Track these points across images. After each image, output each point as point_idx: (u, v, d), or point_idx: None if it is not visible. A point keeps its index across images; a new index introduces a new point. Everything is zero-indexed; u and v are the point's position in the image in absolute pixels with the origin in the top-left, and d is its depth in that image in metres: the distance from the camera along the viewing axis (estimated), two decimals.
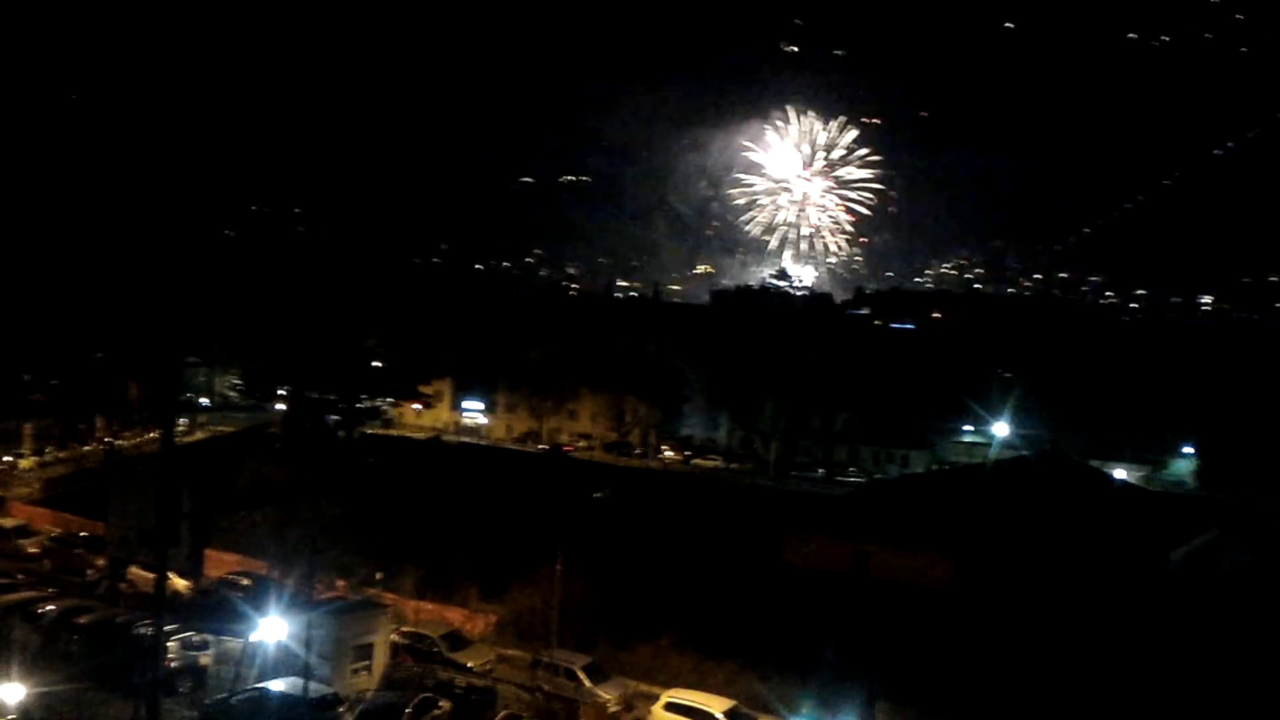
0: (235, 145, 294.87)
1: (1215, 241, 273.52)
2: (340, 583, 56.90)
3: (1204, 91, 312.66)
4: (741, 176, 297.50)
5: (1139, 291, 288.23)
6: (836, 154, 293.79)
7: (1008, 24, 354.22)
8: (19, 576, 57.37)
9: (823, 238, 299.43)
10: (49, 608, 50.18)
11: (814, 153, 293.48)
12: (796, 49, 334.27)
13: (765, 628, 50.33)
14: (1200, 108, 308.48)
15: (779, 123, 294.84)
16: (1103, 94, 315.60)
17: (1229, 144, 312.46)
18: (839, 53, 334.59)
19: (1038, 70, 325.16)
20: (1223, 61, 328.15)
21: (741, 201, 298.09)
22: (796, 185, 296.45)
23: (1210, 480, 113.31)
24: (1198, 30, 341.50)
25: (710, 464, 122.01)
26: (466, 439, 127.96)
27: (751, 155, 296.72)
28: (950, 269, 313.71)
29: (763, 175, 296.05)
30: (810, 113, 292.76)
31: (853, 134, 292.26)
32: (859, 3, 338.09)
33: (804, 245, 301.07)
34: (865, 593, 52.51)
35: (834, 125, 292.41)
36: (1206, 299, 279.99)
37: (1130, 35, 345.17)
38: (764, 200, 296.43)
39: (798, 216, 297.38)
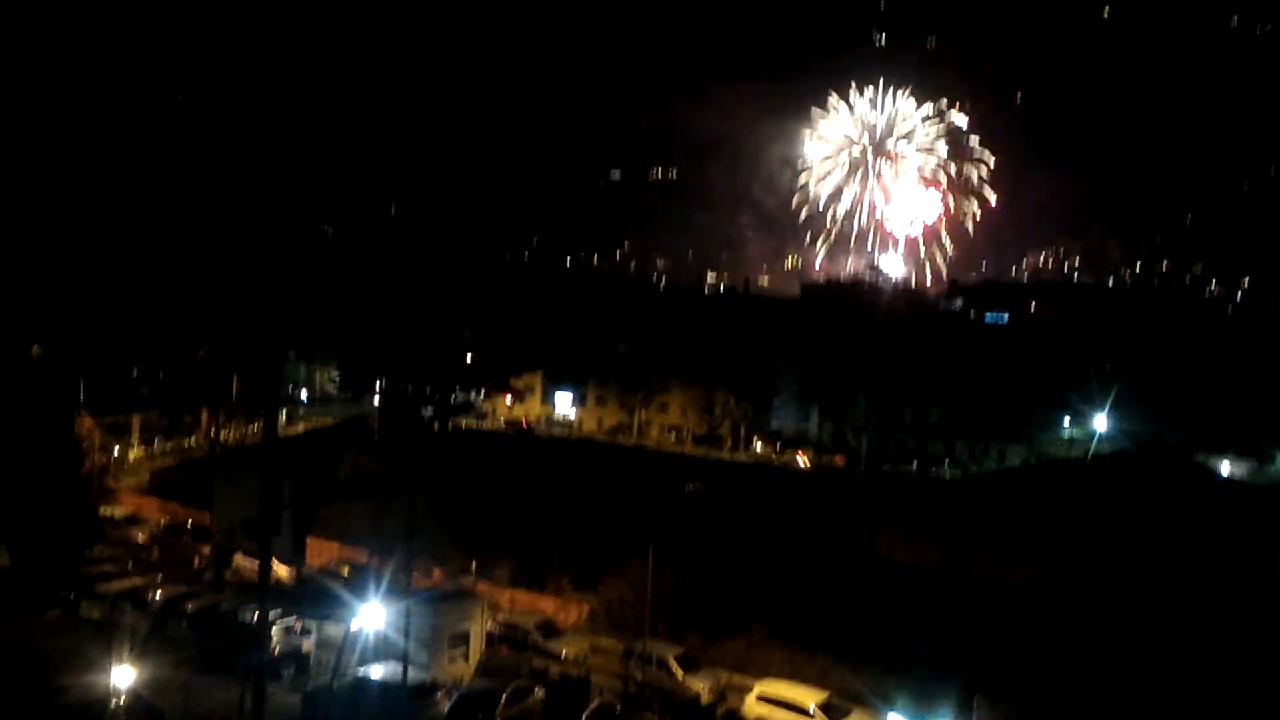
0: (334, 143, 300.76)
1: None
2: (437, 572, 57.97)
3: None
4: (825, 166, 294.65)
5: (1243, 281, 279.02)
6: (928, 142, 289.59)
7: (1105, 6, 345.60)
8: (129, 564, 59.44)
9: (915, 229, 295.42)
10: (157, 595, 51.98)
11: (898, 139, 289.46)
12: (885, 36, 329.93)
13: (858, 621, 50.01)
14: None
15: (860, 106, 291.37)
16: (1208, 78, 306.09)
17: None
18: (930, 41, 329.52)
19: (1140, 54, 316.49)
20: None
21: (826, 192, 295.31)
22: (885, 175, 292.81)
23: None
24: None
25: (802, 457, 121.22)
26: (558, 432, 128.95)
27: (837, 142, 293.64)
28: (1048, 260, 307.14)
29: (849, 164, 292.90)
30: (901, 99, 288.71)
31: (945, 122, 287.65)
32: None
33: (894, 238, 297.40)
34: (960, 588, 51.88)
35: (924, 111, 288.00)
36: None
37: (1234, 18, 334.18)
38: (851, 190, 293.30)
39: (883, 207, 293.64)
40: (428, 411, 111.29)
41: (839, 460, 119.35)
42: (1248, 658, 45.45)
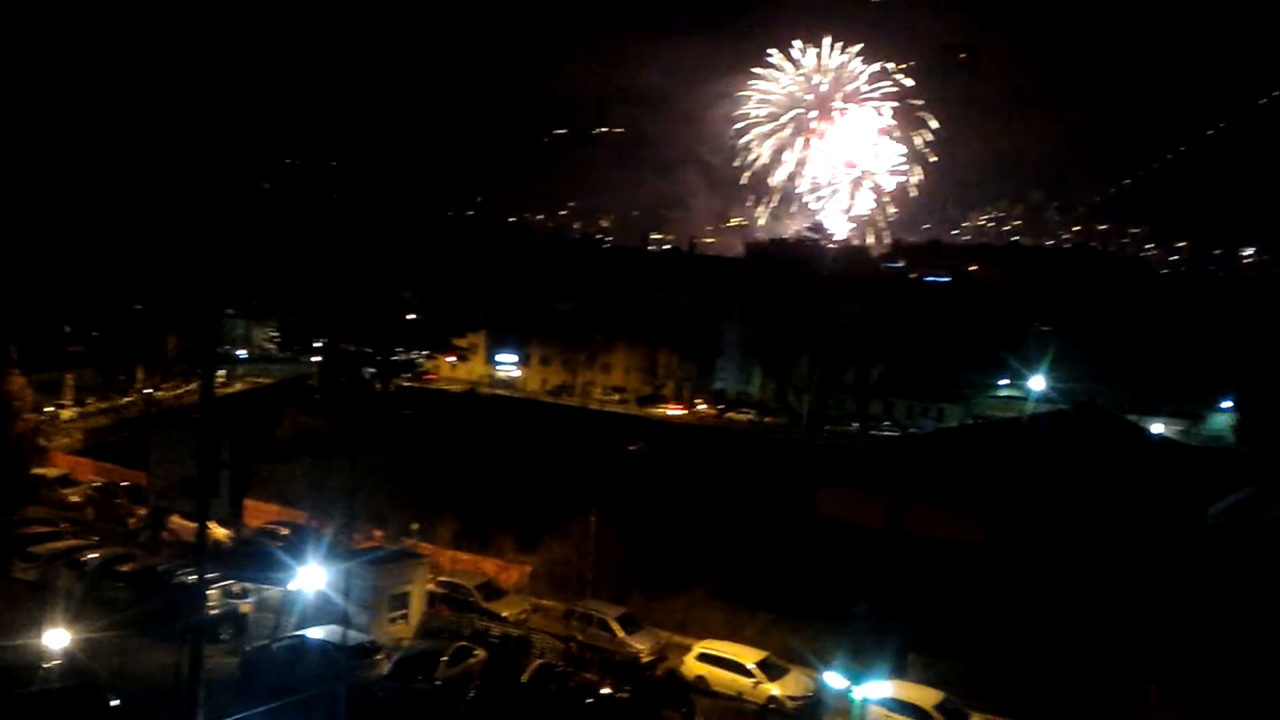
0: (273, 99, 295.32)
1: (1258, 193, 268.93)
2: (377, 532, 57.63)
3: (1248, 41, 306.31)
4: (769, 125, 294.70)
5: (1179, 244, 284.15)
6: (871, 97, 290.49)
7: None
8: (62, 525, 58.44)
9: (858, 186, 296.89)
10: (92, 556, 51.14)
11: (842, 96, 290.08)
12: None
13: (798, 580, 50.52)
14: (1244, 57, 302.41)
15: (805, 64, 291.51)
16: (1144, 43, 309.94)
17: (1274, 93, 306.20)
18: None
19: (1077, 18, 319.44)
20: (1267, 10, 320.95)
21: (769, 151, 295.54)
22: (832, 133, 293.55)
23: (1249, 435, 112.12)
24: None
25: (744, 417, 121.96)
26: (501, 391, 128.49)
27: (780, 101, 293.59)
28: (988, 220, 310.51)
29: (793, 123, 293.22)
30: (843, 55, 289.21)
31: (888, 79, 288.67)
32: None
33: (837, 195, 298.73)
34: (898, 547, 52.53)
35: (867, 68, 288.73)
36: (1248, 251, 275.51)
37: None
38: (792, 149, 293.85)
39: (830, 166, 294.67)
40: (369, 371, 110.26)
41: (779, 419, 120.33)
42: (1178, 609, 46.58)
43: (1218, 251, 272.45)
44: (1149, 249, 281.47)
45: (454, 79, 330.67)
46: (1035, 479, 59.36)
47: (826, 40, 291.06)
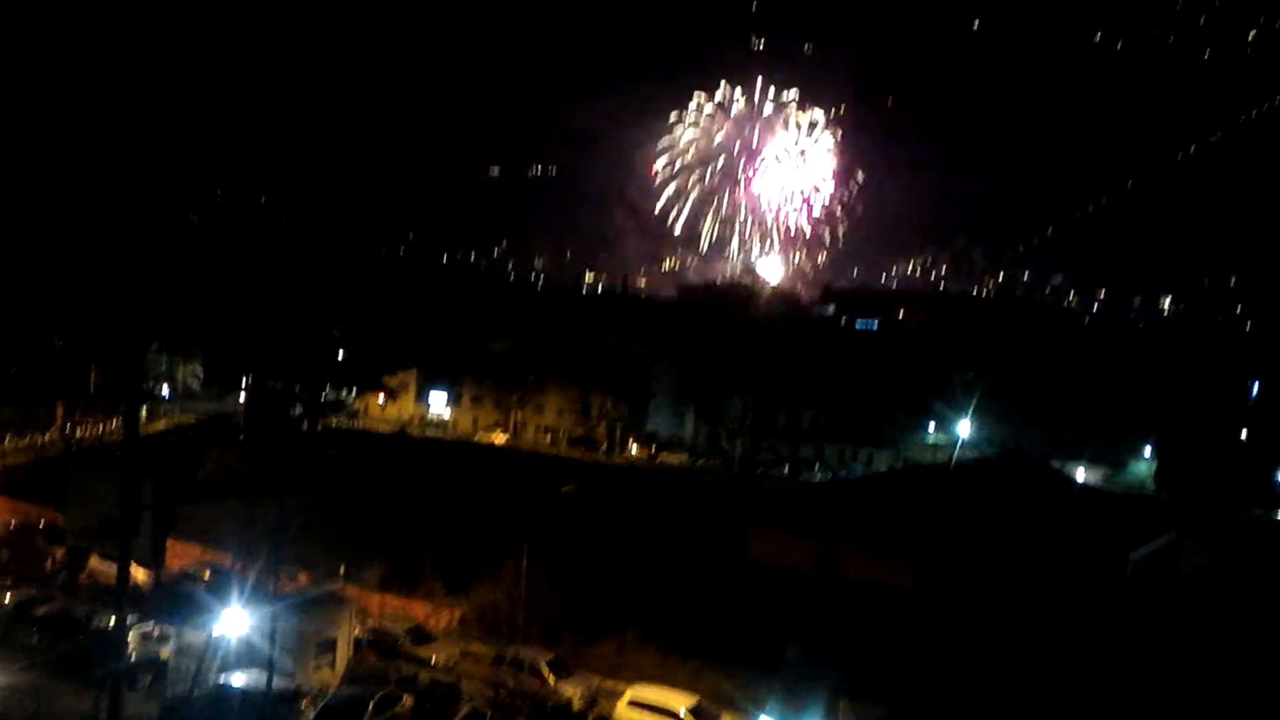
0: (200, 131, 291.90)
1: (1177, 244, 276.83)
2: (303, 576, 56.60)
3: (1167, 95, 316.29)
4: (706, 167, 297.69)
5: (1100, 292, 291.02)
6: (801, 146, 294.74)
7: (974, 22, 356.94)
8: None
9: (787, 234, 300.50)
10: (6, 598, 49.67)
11: (779, 142, 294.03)
12: (763, 44, 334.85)
13: (730, 624, 50.51)
14: (1163, 111, 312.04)
15: (745, 113, 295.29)
16: (1067, 95, 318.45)
17: (1191, 148, 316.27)
18: (806, 48, 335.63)
19: (1003, 70, 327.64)
20: (1185, 65, 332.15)
21: (710, 193, 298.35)
22: (761, 178, 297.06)
23: (1168, 482, 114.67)
24: (1162, 34, 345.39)
25: (676, 460, 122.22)
26: (431, 432, 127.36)
27: (718, 145, 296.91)
28: (915, 268, 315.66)
29: (727, 165, 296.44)
30: (770, 102, 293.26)
31: (818, 130, 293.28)
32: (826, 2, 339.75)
33: (768, 241, 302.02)
34: (829, 591, 52.81)
35: (798, 117, 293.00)
36: (1166, 300, 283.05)
37: (1095, 37, 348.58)
38: (724, 193, 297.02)
39: (759, 211, 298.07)
40: (296, 409, 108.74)
41: (711, 462, 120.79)
42: (1100, 655, 47.28)
43: (1137, 300, 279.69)
44: (1071, 298, 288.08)
45: (387, 117, 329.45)
46: (963, 524, 60.11)
47: (758, 87, 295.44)
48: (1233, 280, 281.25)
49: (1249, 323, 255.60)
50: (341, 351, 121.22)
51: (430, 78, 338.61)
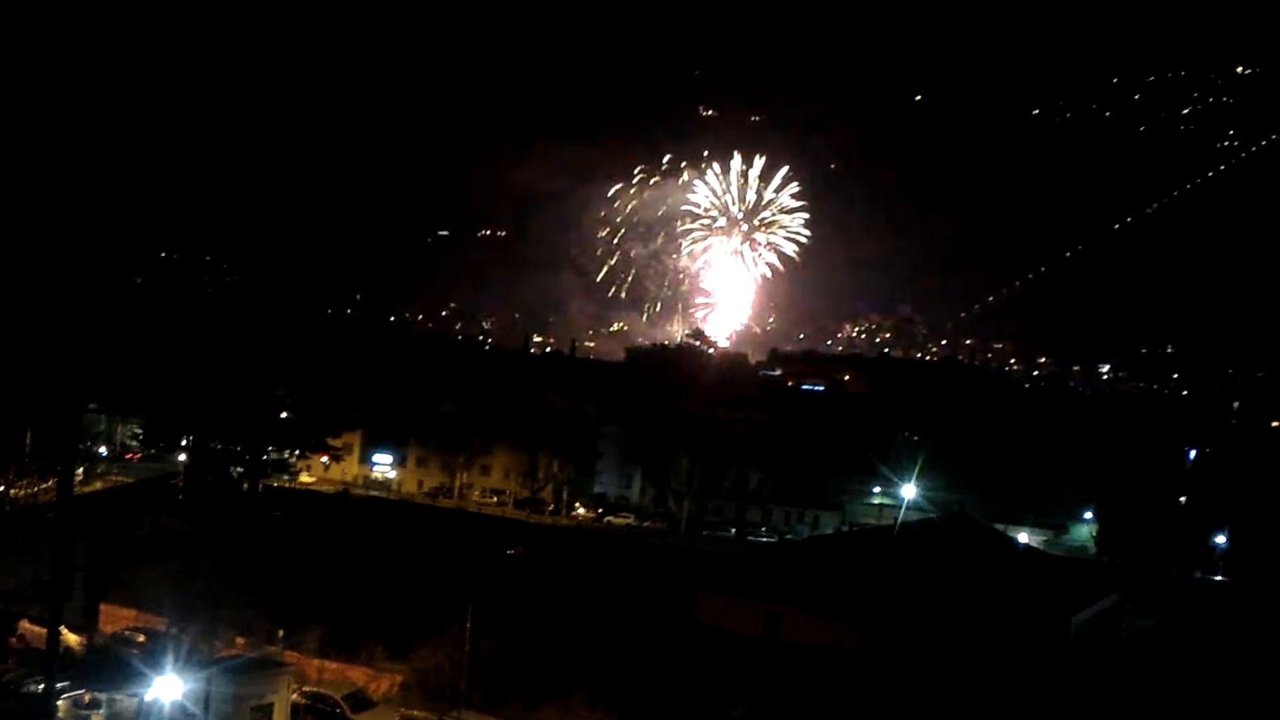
0: (145, 190, 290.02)
1: (1114, 312, 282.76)
2: (240, 640, 55.42)
3: (1106, 168, 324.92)
4: (651, 232, 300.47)
5: (1041, 359, 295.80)
6: (748, 212, 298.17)
7: (917, 97, 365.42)
8: None
9: (737, 299, 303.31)
10: None
11: (725, 208, 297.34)
12: (713, 113, 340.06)
13: (677, 687, 50.02)
14: (1103, 183, 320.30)
15: (695, 178, 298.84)
16: (1010, 167, 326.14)
17: (1128, 219, 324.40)
18: (755, 118, 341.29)
19: (949, 142, 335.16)
20: (1123, 140, 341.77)
21: (656, 257, 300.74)
22: (709, 243, 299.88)
23: (1109, 545, 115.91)
24: (1099, 109, 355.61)
25: (623, 522, 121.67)
26: (376, 493, 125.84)
27: (664, 209, 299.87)
28: (860, 332, 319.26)
29: (675, 229, 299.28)
30: (721, 169, 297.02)
31: (768, 194, 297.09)
32: (771, 74, 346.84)
33: (718, 304, 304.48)
34: (775, 654, 52.56)
35: (746, 183, 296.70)
36: (1105, 367, 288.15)
37: (1034, 112, 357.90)
38: (677, 254, 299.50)
39: (711, 274, 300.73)
40: (237, 470, 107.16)
41: (658, 524, 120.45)
42: (1044, 717, 47.39)
43: (1076, 367, 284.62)
44: (1013, 364, 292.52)
45: (334, 175, 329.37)
46: (908, 587, 60.29)
47: (705, 153, 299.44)
48: (1169, 349, 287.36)
49: (1185, 390, 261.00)
50: (285, 412, 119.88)
51: (378, 138, 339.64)
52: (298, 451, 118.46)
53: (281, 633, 56.43)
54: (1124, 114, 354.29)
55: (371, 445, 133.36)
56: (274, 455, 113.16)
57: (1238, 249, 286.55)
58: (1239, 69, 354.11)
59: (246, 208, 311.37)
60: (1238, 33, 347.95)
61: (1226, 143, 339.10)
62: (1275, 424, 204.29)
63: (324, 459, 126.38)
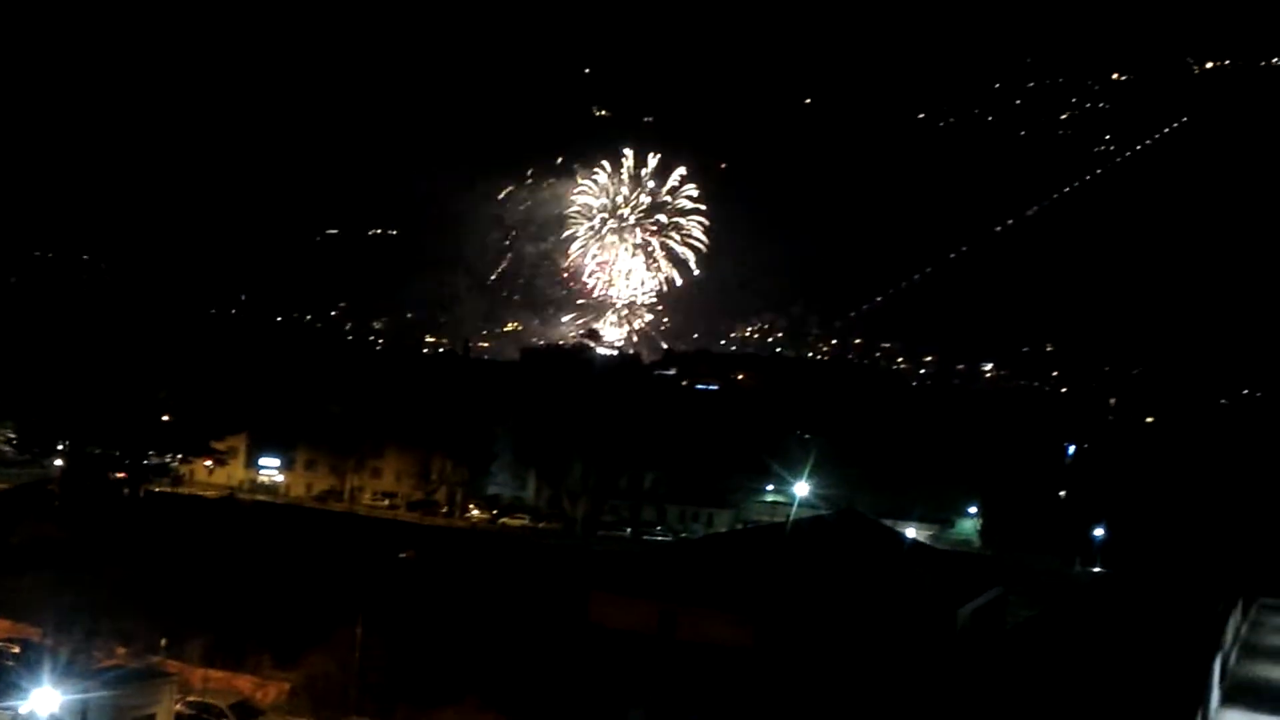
0: (17, 187, 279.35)
1: (996, 312, 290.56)
2: (121, 650, 53.80)
3: (987, 171, 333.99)
4: (546, 232, 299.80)
5: (927, 358, 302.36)
6: (642, 211, 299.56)
7: (807, 100, 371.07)
8: None
9: (631, 298, 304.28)
10: None
11: (618, 208, 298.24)
12: (606, 113, 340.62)
13: (572, 689, 49.87)
14: (983, 186, 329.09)
15: (589, 178, 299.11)
16: (893, 170, 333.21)
17: (1009, 221, 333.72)
18: (648, 119, 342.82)
19: (837, 146, 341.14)
20: (1003, 143, 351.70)
21: (549, 256, 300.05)
22: (602, 240, 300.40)
23: (993, 539, 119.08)
24: (981, 114, 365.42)
25: (518, 523, 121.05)
26: (263, 497, 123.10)
27: (557, 213, 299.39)
28: (753, 331, 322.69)
29: (569, 229, 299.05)
30: (614, 169, 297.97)
31: (663, 194, 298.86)
32: (667, 76, 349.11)
33: (613, 305, 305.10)
34: (671, 652, 52.74)
35: (640, 183, 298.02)
36: (988, 366, 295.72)
37: (919, 116, 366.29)
38: (571, 254, 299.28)
39: (604, 274, 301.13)
40: (117, 476, 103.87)
41: (553, 524, 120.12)
42: (931, 709, 48.32)
43: (961, 366, 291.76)
44: (900, 363, 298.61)
45: (220, 172, 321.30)
46: (800, 582, 61.03)
47: (602, 160, 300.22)
48: (1049, 347, 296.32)
49: (1064, 388, 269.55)
50: (167, 415, 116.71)
51: (266, 135, 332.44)
52: (180, 455, 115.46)
53: (164, 642, 54.89)
54: (1004, 118, 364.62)
55: (258, 448, 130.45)
56: (155, 459, 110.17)
57: (1115, 250, 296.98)
58: (1114, 75, 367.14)
59: (126, 206, 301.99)
60: (1113, 40, 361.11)
61: (1102, 147, 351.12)
62: (1150, 419, 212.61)
63: (208, 463, 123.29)
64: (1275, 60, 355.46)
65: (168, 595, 60.87)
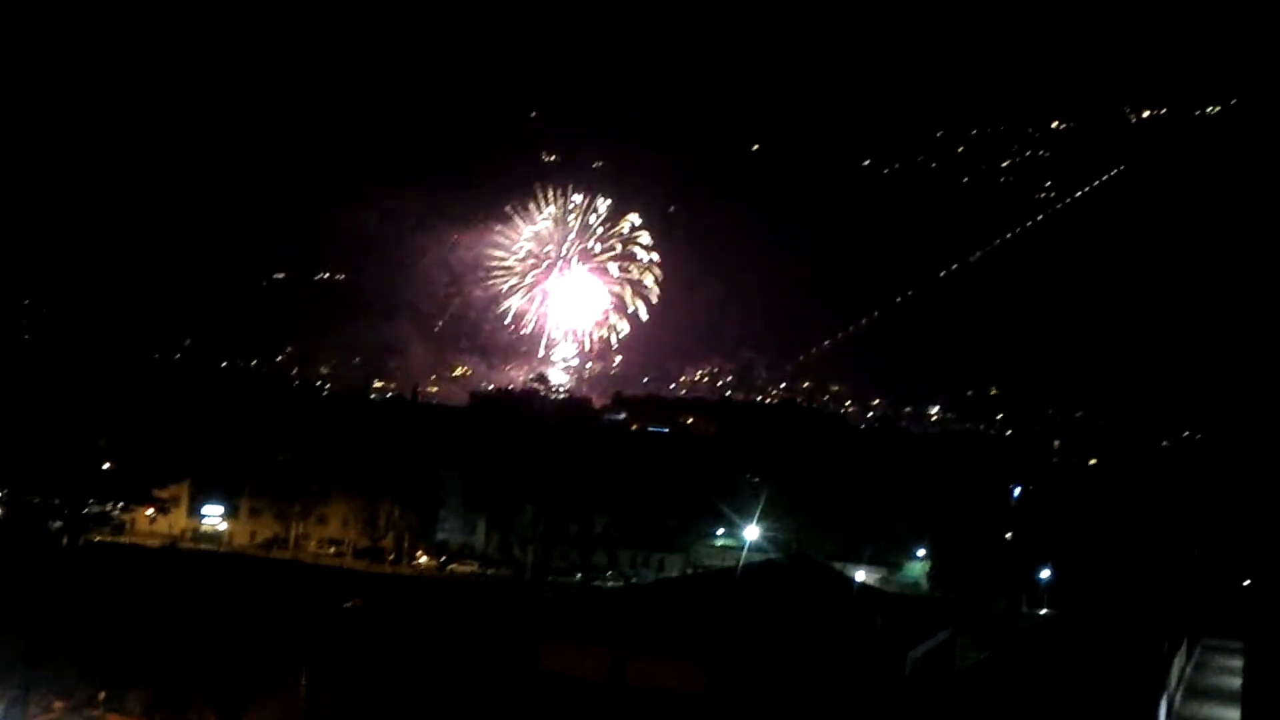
0: None
1: (941, 355, 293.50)
2: (58, 704, 52.43)
3: (932, 216, 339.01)
4: (495, 277, 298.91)
5: (874, 401, 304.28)
6: (593, 256, 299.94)
7: (754, 146, 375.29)
8: None
9: (580, 341, 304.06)
10: None
11: (568, 254, 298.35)
12: (555, 158, 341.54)
13: None
14: (928, 231, 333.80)
15: (535, 222, 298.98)
16: (840, 216, 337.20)
17: (953, 266, 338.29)
18: (597, 164, 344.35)
19: (781, 192, 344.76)
20: (948, 190, 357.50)
21: (497, 301, 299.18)
22: (551, 287, 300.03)
23: (941, 582, 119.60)
24: (925, 161, 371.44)
25: (467, 569, 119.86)
26: (206, 546, 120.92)
27: (506, 257, 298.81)
28: (703, 375, 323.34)
29: (518, 274, 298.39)
30: (558, 214, 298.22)
31: (612, 239, 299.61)
32: (613, 120, 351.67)
33: (562, 348, 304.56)
34: (622, 699, 52.26)
35: (589, 228, 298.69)
36: (934, 409, 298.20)
37: (864, 163, 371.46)
38: (520, 300, 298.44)
39: (551, 319, 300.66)
40: (55, 524, 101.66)
41: (502, 571, 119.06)
42: None
43: (908, 409, 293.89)
44: (848, 406, 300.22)
45: (164, 216, 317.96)
46: (750, 627, 60.84)
47: (551, 194, 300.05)
48: (993, 390, 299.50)
49: (1009, 430, 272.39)
50: (107, 462, 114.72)
51: (210, 179, 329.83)
52: (121, 504, 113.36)
53: (104, 695, 53.60)
54: (948, 165, 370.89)
55: (201, 496, 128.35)
56: (95, 508, 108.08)
57: (1057, 294, 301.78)
58: (1054, 124, 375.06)
59: (68, 249, 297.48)
60: (1053, 90, 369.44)
61: (1043, 194, 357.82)
62: (1093, 461, 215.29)
63: (149, 511, 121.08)
64: (1209, 109, 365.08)
65: (107, 647, 59.41)
